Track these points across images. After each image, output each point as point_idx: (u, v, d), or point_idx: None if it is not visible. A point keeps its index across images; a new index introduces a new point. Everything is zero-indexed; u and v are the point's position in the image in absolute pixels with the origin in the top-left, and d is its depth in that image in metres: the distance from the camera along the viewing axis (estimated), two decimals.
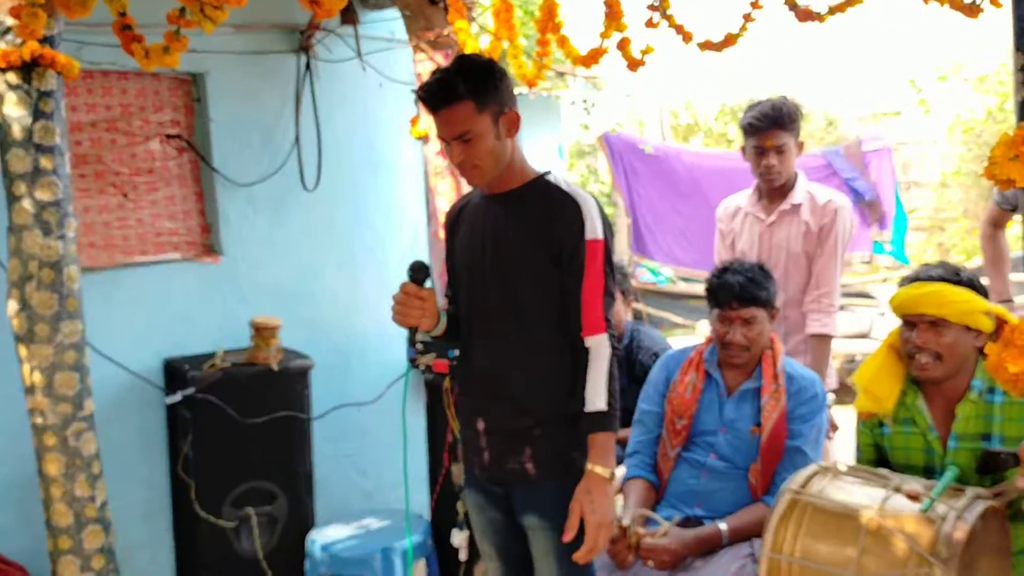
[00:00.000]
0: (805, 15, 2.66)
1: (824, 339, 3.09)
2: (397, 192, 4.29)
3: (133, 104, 3.59)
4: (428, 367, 3.37)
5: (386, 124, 4.21)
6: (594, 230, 2.08)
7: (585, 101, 10.63)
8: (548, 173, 2.19)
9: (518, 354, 2.15)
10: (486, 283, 2.17)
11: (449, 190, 3.81)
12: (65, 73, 2.60)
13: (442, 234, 3.82)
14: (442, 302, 2.36)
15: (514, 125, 2.12)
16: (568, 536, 2.06)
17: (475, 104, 2.05)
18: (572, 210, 2.09)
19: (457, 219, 2.32)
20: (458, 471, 3.21)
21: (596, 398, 2.05)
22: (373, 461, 4.20)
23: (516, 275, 2.13)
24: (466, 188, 3.84)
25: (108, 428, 3.02)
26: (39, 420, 2.63)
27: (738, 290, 2.58)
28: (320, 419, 3.64)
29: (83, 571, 2.67)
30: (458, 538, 3.09)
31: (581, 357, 2.09)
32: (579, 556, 2.06)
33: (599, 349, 2.07)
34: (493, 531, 2.30)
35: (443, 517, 3.30)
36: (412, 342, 2.21)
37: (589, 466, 2.05)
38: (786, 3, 2.66)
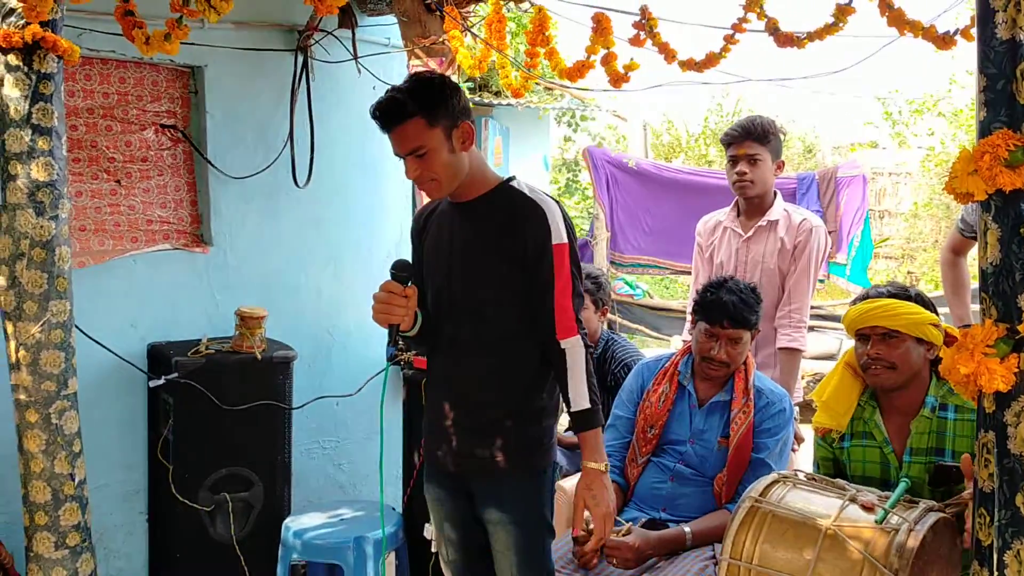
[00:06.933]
0: (785, 40, 2.74)
1: (794, 353, 3.17)
2: (385, 193, 4.33)
3: (131, 93, 3.60)
4: (409, 363, 3.44)
5: (377, 126, 4.26)
6: (559, 234, 2.12)
7: (572, 116, 10.74)
8: (512, 179, 2.23)
9: (485, 356, 2.20)
10: (452, 288, 2.23)
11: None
12: (66, 57, 2.60)
13: None
14: None
15: (468, 137, 2.15)
16: (577, 531, 2.24)
17: (425, 120, 2.08)
18: (538, 215, 2.12)
19: (425, 225, 2.36)
20: None
21: (580, 398, 2.11)
22: (349, 454, 4.23)
23: (482, 280, 2.18)
24: None
25: (90, 409, 3.02)
26: (22, 397, 2.63)
27: (731, 310, 2.62)
28: (299, 410, 3.68)
29: (57, 548, 2.66)
30: (430, 531, 3.14)
31: (557, 360, 2.13)
32: (590, 546, 2.25)
33: (575, 350, 2.12)
34: (451, 525, 2.34)
35: (416, 511, 3.35)
36: (393, 340, 2.25)
37: (584, 463, 2.14)
38: (767, 28, 2.74)
